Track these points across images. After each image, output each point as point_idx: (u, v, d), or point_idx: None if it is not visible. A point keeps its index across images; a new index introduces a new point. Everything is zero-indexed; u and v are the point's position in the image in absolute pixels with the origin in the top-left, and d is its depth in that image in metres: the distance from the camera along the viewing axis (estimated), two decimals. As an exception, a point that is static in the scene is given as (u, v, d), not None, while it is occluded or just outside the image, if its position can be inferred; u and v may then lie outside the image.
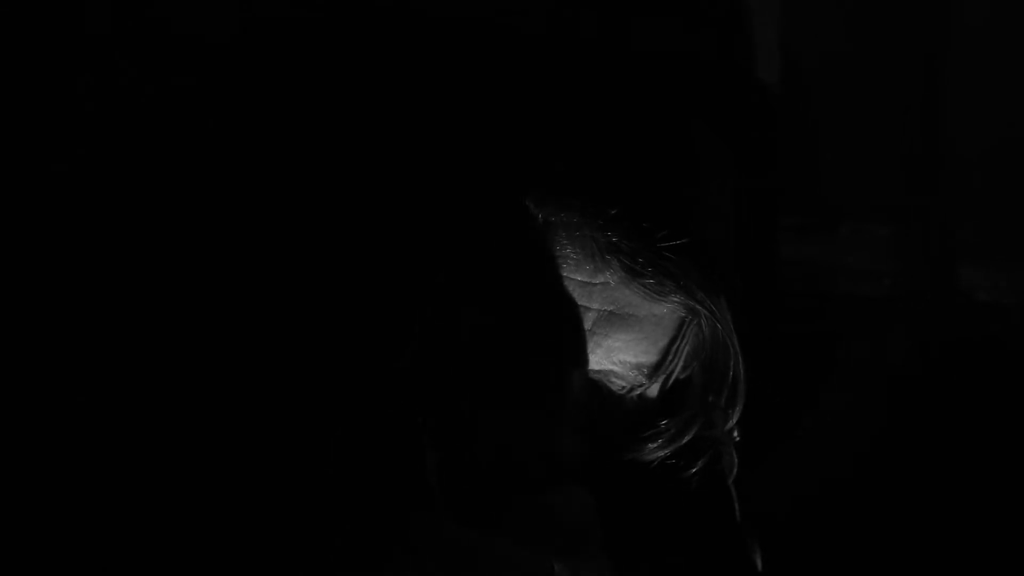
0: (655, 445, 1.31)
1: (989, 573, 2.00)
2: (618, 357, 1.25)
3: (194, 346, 1.48)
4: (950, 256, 2.26)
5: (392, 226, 1.34)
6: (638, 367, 1.26)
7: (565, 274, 1.22)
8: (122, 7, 1.56)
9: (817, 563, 1.91)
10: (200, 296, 1.50)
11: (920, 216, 2.26)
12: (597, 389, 1.27)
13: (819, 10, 2.21)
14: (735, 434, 1.33)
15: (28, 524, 1.43)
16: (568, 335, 1.24)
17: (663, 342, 1.27)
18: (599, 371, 1.26)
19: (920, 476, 2.05)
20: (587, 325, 1.24)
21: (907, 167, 2.24)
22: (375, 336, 1.31)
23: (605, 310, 1.23)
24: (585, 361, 1.25)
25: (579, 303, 1.23)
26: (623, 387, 1.28)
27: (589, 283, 1.22)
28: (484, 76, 1.31)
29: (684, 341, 1.28)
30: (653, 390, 1.29)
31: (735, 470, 1.34)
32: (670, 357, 1.28)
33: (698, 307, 1.23)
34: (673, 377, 1.30)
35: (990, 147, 2.21)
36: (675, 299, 1.22)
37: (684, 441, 1.31)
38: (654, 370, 1.27)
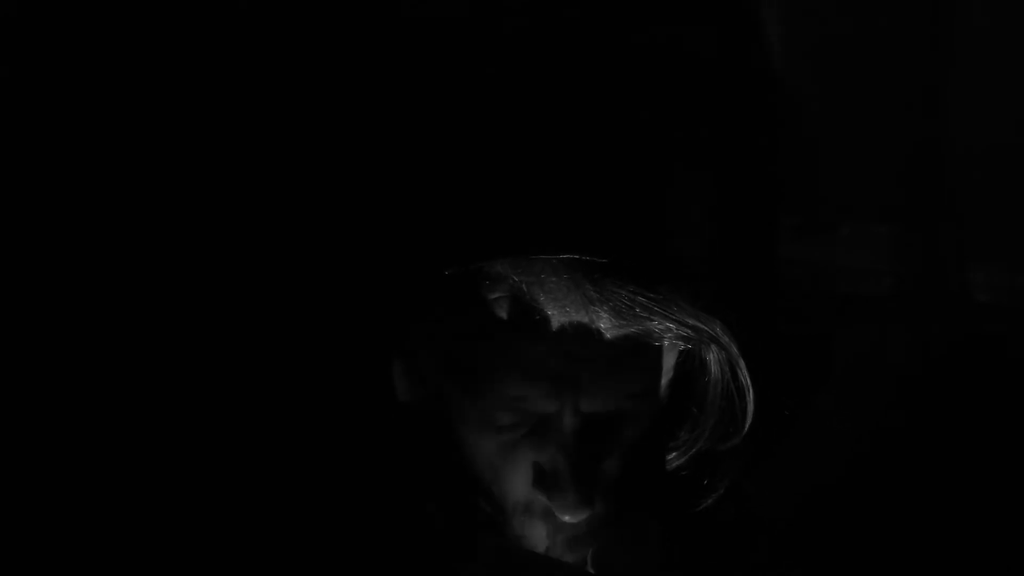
0: (671, 458, 1.33)
1: (989, 573, 2.01)
2: (624, 393, 1.26)
3: (193, 348, 1.48)
4: (950, 256, 2.27)
5: (386, 234, 1.34)
6: (644, 395, 1.27)
7: (551, 338, 1.22)
8: (122, 6, 1.56)
9: (816, 563, 1.91)
10: (200, 297, 1.50)
11: (920, 216, 2.26)
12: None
13: (820, 10, 2.21)
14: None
15: (26, 524, 1.43)
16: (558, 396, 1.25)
17: (665, 371, 1.31)
18: (607, 412, 1.27)
19: (920, 476, 2.05)
20: (586, 376, 1.24)
21: (907, 167, 2.24)
22: (375, 335, 1.32)
23: (602, 358, 1.24)
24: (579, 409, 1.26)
25: (575, 358, 1.23)
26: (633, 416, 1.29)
27: (581, 337, 1.22)
28: (471, 83, 1.30)
29: (685, 367, 1.30)
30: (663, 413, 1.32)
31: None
32: (670, 380, 1.31)
33: (695, 336, 1.23)
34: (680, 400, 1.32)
35: (990, 147, 2.21)
36: (669, 336, 1.22)
37: (694, 452, 1.32)
38: (659, 398, 1.29)
